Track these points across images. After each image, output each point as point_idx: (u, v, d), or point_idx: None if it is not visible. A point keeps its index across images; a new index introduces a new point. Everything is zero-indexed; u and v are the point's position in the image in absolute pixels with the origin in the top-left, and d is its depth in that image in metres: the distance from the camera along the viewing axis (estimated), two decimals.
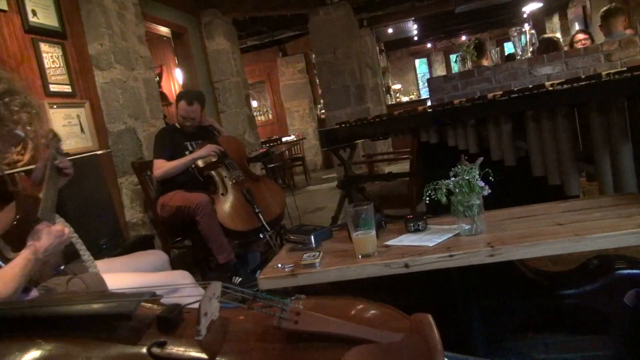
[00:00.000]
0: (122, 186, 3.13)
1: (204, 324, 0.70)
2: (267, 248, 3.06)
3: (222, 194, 2.88)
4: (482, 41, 4.39)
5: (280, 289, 1.49)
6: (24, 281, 1.15)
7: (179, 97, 3.05)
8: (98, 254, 1.47)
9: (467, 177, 1.47)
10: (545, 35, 4.03)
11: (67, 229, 1.33)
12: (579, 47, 3.94)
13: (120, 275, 1.44)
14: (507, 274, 1.67)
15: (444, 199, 1.50)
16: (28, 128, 1.30)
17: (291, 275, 1.48)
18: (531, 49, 3.60)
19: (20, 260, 1.17)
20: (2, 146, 1.29)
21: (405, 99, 11.71)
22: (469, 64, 4.20)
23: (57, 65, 2.79)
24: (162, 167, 2.86)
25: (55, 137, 1.47)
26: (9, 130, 1.27)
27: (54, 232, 1.27)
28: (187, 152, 2.98)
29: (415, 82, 14.01)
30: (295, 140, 8.30)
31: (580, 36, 4.43)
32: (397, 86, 12.14)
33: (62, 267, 1.33)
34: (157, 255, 1.81)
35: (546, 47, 3.80)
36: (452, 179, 1.50)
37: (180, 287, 1.42)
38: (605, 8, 3.92)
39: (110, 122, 3.09)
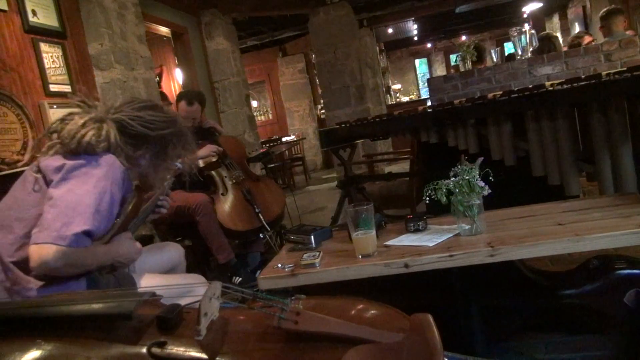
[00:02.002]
0: None
1: (204, 324, 0.70)
2: (267, 248, 3.06)
3: (222, 194, 2.88)
4: (482, 47, 4.39)
5: (280, 289, 1.49)
6: (96, 267, 1.28)
7: (179, 97, 3.05)
8: None
9: (467, 177, 1.47)
10: (544, 33, 4.03)
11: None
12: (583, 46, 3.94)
13: (146, 278, 1.47)
14: (507, 274, 1.67)
15: (444, 199, 1.50)
16: (183, 159, 1.52)
17: (291, 275, 1.48)
18: (531, 49, 3.60)
19: (107, 249, 1.33)
20: (164, 176, 1.52)
21: (405, 99, 11.71)
22: (469, 64, 4.20)
23: (57, 65, 2.79)
24: None
25: (169, 183, 1.66)
26: (172, 164, 1.50)
27: (135, 247, 1.45)
28: None
29: (415, 82, 14.00)
30: (295, 140, 8.29)
31: (587, 39, 4.43)
32: (397, 86, 12.14)
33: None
34: (174, 248, 1.88)
35: (544, 45, 3.79)
36: (452, 179, 1.50)
37: (197, 285, 1.45)
38: (605, 9, 3.92)
39: None
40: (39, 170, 1.27)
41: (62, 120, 1.32)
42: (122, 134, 1.34)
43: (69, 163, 1.24)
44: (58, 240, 1.12)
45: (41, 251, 1.11)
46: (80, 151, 1.25)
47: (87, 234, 1.18)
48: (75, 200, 1.18)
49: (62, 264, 1.14)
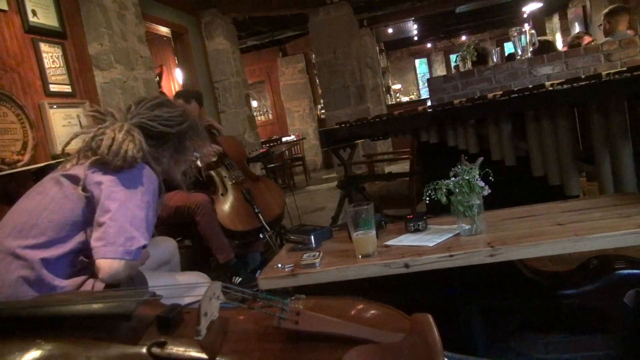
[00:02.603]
0: None
1: (204, 324, 0.70)
2: (267, 248, 3.06)
3: (222, 194, 2.88)
4: (485, 49, 4.39)
5: (280, 289, 1.49)
6: None
7: (177, 96, 3.05)
8: None
9: (467, 177, 1.47)
10: (540, 38, 4.03)
11: None
12: (583, 46, 3.94)
13: (149, 275, 1.49)
14: (507, 274, 1.67)
15: (444, 199, 1.50)
16: (200, 150, 1.56)
17: (291, 275, 1.48)
18: (531, 49, 3.60)
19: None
20: (184, 166, 1.55)
21: (405, 99, 11.71)
22: (469, 64, 4.20)
23: (57, 65, 2.79)
24: None
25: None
26: (191, 156, 1.54)
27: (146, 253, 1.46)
28: None
29: (415, 82, 14.00)
30: (295, 140, 8.29)
31: (586, 40, 4.43)
32: (397, 86, 12.13)
33: None
34: (167, 242, 1.91)
35: (542, 49, 3.79)
36: (452, 179, 1.50)
37: (200, 285, 1.46)
38: (611, 7, 3.91)
39: None
40: (76, 179, 1.28)
41: (94, 137, 1.33)
42: (145, 137, 1.36)
43: (116, 177, 1.27)
44: (125, 255, 1.20)
45: (112, 265, 1.19)
46: (126, 166, 1.28)
47: (143, 247, 1.27)
48: (131, 215, 1.24)
49: (127, 274, 1.23)
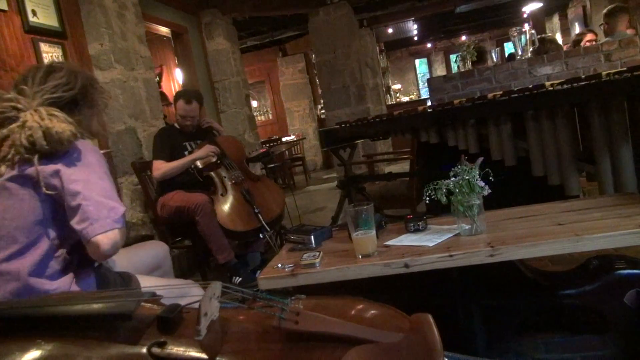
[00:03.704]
0: (122, 186, 3.13)
1: (204, 324, 0.70)
2: (267, 248, 3.06)
3: (222, 195, 2.88)
4: (483, 49, 4.40)
5: (280, 289, 1.49)
6: None
7: (177, 96, 3.05)
8: None
9: (467, 177, 1.47)
10: (545, 35, 4.04)
11: None
12: (583, 45, 3.94)
13: (142, 278, 1.48)
14: (507, 274, 1.67)
15: (444, 199, 1.50)
16: (104, 93, 1.51)
17: (291, 275, 1.48)
18: (531, 49, 3.60)
19: None
20: (102, 119, 1.51)
21: (405, 99, 11.71)
22: (469, 64, 4.20)
23: None
24: (161, 168, 2.86)
25: None
26: (101, 101, 1.48)
27: None
28: (186, 153, 2.98)
29: (415, 82, 14.00)
30: (295, 140, 8.29)
31: (590, 37, 4.43)
32: (397, 86, 12.14)
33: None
34: (158, 246, 1.88)
35: (545, 48, 3.80)
36: (452, 179, 1.50)
37: (192, 285, 1.47)
38: (610, 6, 3.91)
39: (110, 122, 3.09)
40: (28, 180, 1.23)
41: (18, 135, 1.23)
42: (61, 110, 1.30)
43: (68, 160, 1.24)
44: (115, 224, 1.22)
45: (109, 236, 1.20)
46: (69, 146, 1.25)
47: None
48: (100, 188, 1.24)
49: (122, 242, 1.26)
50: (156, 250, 1.85)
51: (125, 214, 1.28)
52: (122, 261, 1.61)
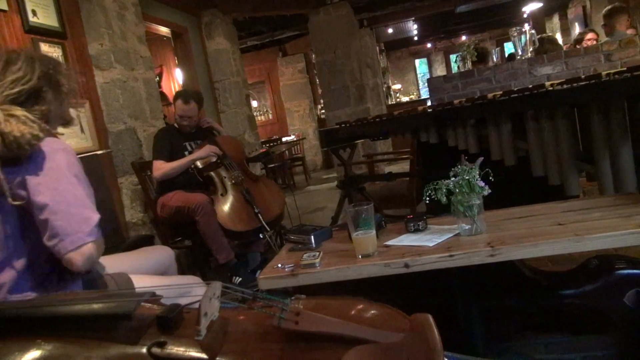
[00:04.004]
0: (122, 186, 3.13)
1: (204, 324, 0.70)
2: (267, 248, 3.06)
3: (222, 195, 2.88)
4: (486, 49, 4.40)
5: (280, 289, 1.49)
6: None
7: (176, 96, 3.05)
8: None
9: (467, 177, 1.47)
10: (543, 35, 4.04)
11: None
12: (584, 46, 3.95)
13: (142, 278, 1.45)
14: (507, 274, 1.67)
15: (444, 199, 1.50)
16: (69, 74, 1.40)
17: (291, 275, 1.48)
18: (531, 49, 3.60)
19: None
20: (68, 98, 1.38)
21: (405, 99, 11.71)
22: (469, 64, 4.20)
23: None
24: (161, 168, 2.86)
25: None
26: (67, 84, 1.37)
27: None
28: (186, 153, 2.98)
29: (415, 82, 14.01)
30: (295, 140, 8.29)
31: (590, 36, 4.43)
32: (397, 86, 12.14)
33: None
34: (163, 251, 1.82)
35: (544, 47, 3.80)
36: (452, 179, 1.50)
37: (195, 288, 1.41)
38: (609, 7, 3.92)
39: (110, 122, 3.09)
40: None
41: None
42: (22, 106, 1.21)
43: (32, 167, 1.15)
44: (88, 238, 1.14)
45: (82, 252, 1.13)
46: (32, 149, 1.15)
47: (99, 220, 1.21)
48: (70, 198, 1.15)
49: (99, 254, 1.20)
50: (162, 255, 1.79)
51: (100, 221, 1.19)
52: (126, 267, 1.56)
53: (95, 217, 1.18)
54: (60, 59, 2.82)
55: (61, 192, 1.14)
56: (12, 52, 1.32)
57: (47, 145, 1.18)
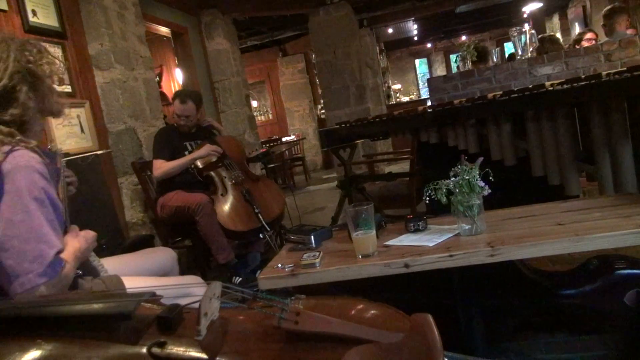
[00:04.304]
0: (122, 186, 3.13)
1: (204, 324, 0.70)
2: (267, 248, 3.06)
3: (222, 195, 2.88)
4: (486, 48, 4.40)
5: (280, 289, 1.49)
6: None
7: (174, 96, 3.07)
8: (99, 254, 1.48)
9: (467, 177, 1.47)
10: (545, 35, 4.04)
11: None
12: (583, 45, 3.95)
13: (136, 280, 1.44)
14: (507, 274, 1.67)
15: (444, 199, 1.50)
16: (53, 67, 1.27)
17: (291, 275, 1.48)
18: (531, 49, 3.60)
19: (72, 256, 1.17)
20: (56, 97, 1.25)
21: (405, 99, 11.71)
22: (469, 64, 4.20)
23: None
24: (161, 167, 2.86)
25: (60, 154, 1.39)
26: (48, 79, 1.24)
27: (88, 236, 1.28)
28: (186, 153, 2.98)
29: (415, 82, 14.00)
30: (295, 140, 8.29)
31: (589, 35, 4.44)
32: (397, 86, 12.14)
33: (80, 272, 1.30)
34: (166, 253, 1.81)
35: (543, 46, 3.80)
36: (452, 179, 1.50)
37: (194, 289, 1.38)
38: (608, 7, 3.92)
39: (110, 122, 3.09)
40: None
41: None
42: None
43: None
44: (39, 279, 1.03)
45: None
46: None
47: (58, 252, 1.09)
48: (25, 228, 1.02)
49: (61, 290, 1.10)
50: (164, 257, 1.77)
51: (60, 252, 1.08)
52: (128, 268, 1.56)
53: (51, 251, 1.06)
54: (60, 59, 2.82)
55: (16, 224, 1.02)
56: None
57: (9, 161, 1.05)
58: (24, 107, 1.14)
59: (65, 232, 1.25)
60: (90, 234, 1.30)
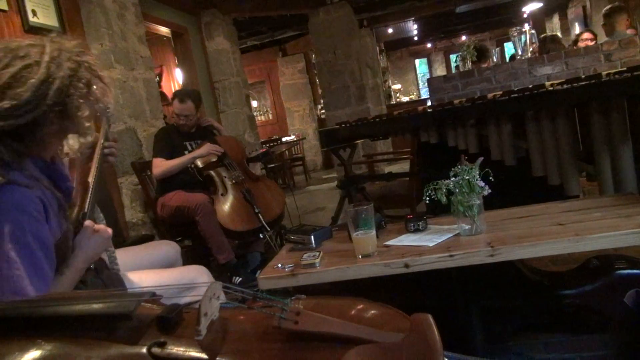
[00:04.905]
0: (122, 186, 3.13)
1: (204, 324, 0.70)
2: (267, 248, 3.06)
3: (222, 194, 2.88)
4: (485, 47, 4.40)
5: (280, 289, 1.49)
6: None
7: (173, 95, 3.07)
8: None
9: (467, 177, 1.47)
10: (547, 34, 4.05)
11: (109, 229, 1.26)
12: (581, 46, 3.95)
13: (138, 274, 1.44)
14: (507, 274, 1.67)
15: (444, 199, 1.50)
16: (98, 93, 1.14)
17: (291, 275, 1.48)
18: (531, 49, 3.60)
19: (75, 274, 1.13)
20: (87, 119, 1.10)
21: (405, 99, 11.71)
22: (469, 64, 4.20)
23: None
24: (161, 165, 2.87)
25: (109, 115, 1.25)
26: (80, 114, 1.09)
27: (105, 235, 1.23)
28: (186, 152, 2.99)
29: (415, 82, 14.00)
30: (295, 140, 8.29)
31: (586, 35, 4.44)
32: (397, 86, 12.14)
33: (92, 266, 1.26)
34: (169, 246, 1.83)
35: (544, 46, 3.80)
36: (452, 179, 1.50)
37: (199, 285, 1.38)
38: (608, 6, 3.92)
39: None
40: None
41: None
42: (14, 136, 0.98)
43: None
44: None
45: None
46: None
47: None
48: (2, 279, 0.94)
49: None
50: (168, 250, 1.79)
51: (44, 289, 0.98)
52: (132, 261, 1.57)
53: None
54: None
55: None
56: (25, 57, 0.99)
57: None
58: (43, 138, 1.04)
59: (82, 222, 1.18)
60: (107, 234, 1.24)
